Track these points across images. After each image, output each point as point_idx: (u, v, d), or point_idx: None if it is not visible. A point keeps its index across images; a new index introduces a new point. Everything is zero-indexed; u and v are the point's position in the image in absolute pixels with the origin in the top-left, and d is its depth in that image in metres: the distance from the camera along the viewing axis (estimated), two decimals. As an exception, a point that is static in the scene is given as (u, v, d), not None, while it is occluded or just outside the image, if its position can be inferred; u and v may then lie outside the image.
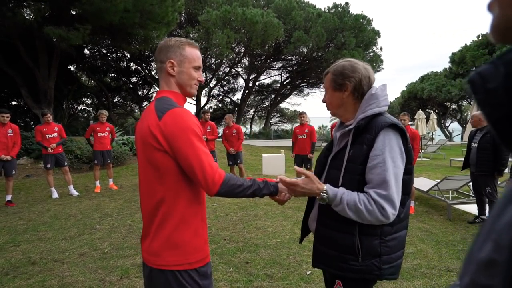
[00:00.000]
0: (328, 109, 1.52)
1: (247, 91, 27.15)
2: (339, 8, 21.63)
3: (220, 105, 30.42)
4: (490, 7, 0.37)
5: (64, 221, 4.91)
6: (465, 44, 26.05)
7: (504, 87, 0.31)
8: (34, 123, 16.43)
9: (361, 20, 20.94)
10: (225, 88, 29.36)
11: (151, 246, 1.25)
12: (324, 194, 1.28)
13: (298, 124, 7.11)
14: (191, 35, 18.60)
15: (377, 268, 1.29)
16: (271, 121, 32.81)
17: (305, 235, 1.67)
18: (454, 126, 34.35)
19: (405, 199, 1.33)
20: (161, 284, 1.24)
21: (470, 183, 5.58)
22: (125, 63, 24.37)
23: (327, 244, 1.40)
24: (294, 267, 3.28)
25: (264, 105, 32.52)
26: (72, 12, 11.73)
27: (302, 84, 28.40)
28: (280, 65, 26.38)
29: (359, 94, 1.37)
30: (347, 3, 21.70)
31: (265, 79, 29.63)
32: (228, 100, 30.52)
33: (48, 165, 6.31)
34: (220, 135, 9.20)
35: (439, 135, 28.49)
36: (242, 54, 22.39)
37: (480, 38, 24.64)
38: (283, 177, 1.42)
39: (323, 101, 1.51)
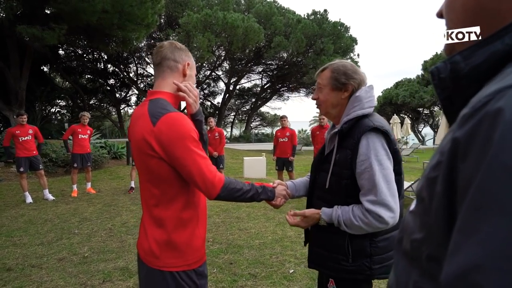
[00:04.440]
0: (318, 107, 1.47)
1: (227, 95, 27.17)
2: (318, 15, 22.19)
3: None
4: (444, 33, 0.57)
5: (40, 226, 4.74)
6: (436, 52, 27.41)
7: (449, 77, 0.48)
8: (3, 126, 15.64)
9: (339, 27, 21.58)
10: (206, 91, 29.26)
11: (150, 247, 1.24)
12: (322, 222, 1.34)
13: (279, 127, 7.24)
14: (171, 38, 18.44)
15: (368, 268, 1.30)
16: (251, 125, 32.96)
17: (308, 236, 1.61)
18: (426, 131, 35.91)
19: None
20: (158, 284, 1.23)
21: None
22: (102, 65, 23.77)
23: (320, 245, 1.43)
24: (277, 266, 3.35)
25: (245, 109, 32.65)
26: (46, 11, 11.35)
27: (282, 89, 28.77)
28: (260, 69, 26.63)
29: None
30: (325, 11, 22.32)
31: (245, 83, 29.84)
32: (209, 103, 30.42)
33: (22, 169, 6.06)
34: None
35: (412, 139, 29.70)
36: (222, 57, 22.44)
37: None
38: (284, 190, 1.48)
39: (314, 98, 1.46)
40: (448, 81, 0.48)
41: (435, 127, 32.24)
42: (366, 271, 1.30)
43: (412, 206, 0.54)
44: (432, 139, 31.79)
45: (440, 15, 0.57)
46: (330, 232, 1.34)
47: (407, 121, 18.90)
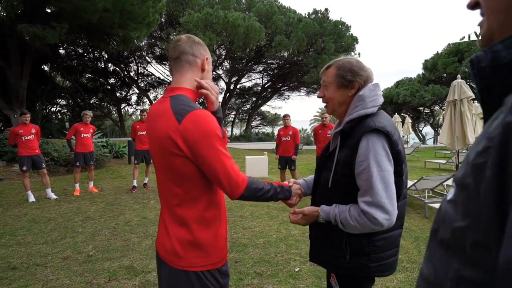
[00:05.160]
0: (325, 105, 1.45)
1: (228, 94, 27.16)
2: (319, 14, 22.17)
3: (200, 107, 30.30)
4: (479, 24, 0.56)
5: (43, 225, 4.73)
6: (437, 52, 27.42)
7: (489, 66, 0.47)
8: (4, 125, 15.62)
9: (340, 26, 21.54)
10: (206, 90, 29.22)
11: (173, 247, 1.22)
12: (321, 220, 1.36)
13: (282, 126, 7.24)
14: (171, 37, 18.43)
15: (365, 266, 1.30)
16: (252, 124, 32.94)
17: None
18: (427, 130, 35.91)
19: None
20: (183, 284, 1.21)
21: (445, 183, 5.89)
22: (103, 64, 23.75)
23: (320, 240, 1.45)
24: (283, 265, 3.35)
25: (245, 108, 32.64)
26: (47, 10, 11.33)
27: (283, 88, 28.76)
28: (261, 68, 26.62)
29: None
30: (326, 10, 22.28)
31: (246, 82, 29.82)
32: (209, 102, 30.39)
33: (24, 168, 6.05)
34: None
35: (413, 139, 29.75)
36: (223, 57, 22.42)
37: (450, 46, 26.00)
38: (296, 192, 1.47)
39: (320, 96, 1.44)
40: (487, 70, 0.47)
41: (435, 126, 32.25)
42: (363, 269, 1.31)
43: (450, 195, 0.53)
44: (433, 138, 31.82)
45: (472, 5, 0.55)
46: (330, 229, 1.35)
47: (408, 120, 18.91)
